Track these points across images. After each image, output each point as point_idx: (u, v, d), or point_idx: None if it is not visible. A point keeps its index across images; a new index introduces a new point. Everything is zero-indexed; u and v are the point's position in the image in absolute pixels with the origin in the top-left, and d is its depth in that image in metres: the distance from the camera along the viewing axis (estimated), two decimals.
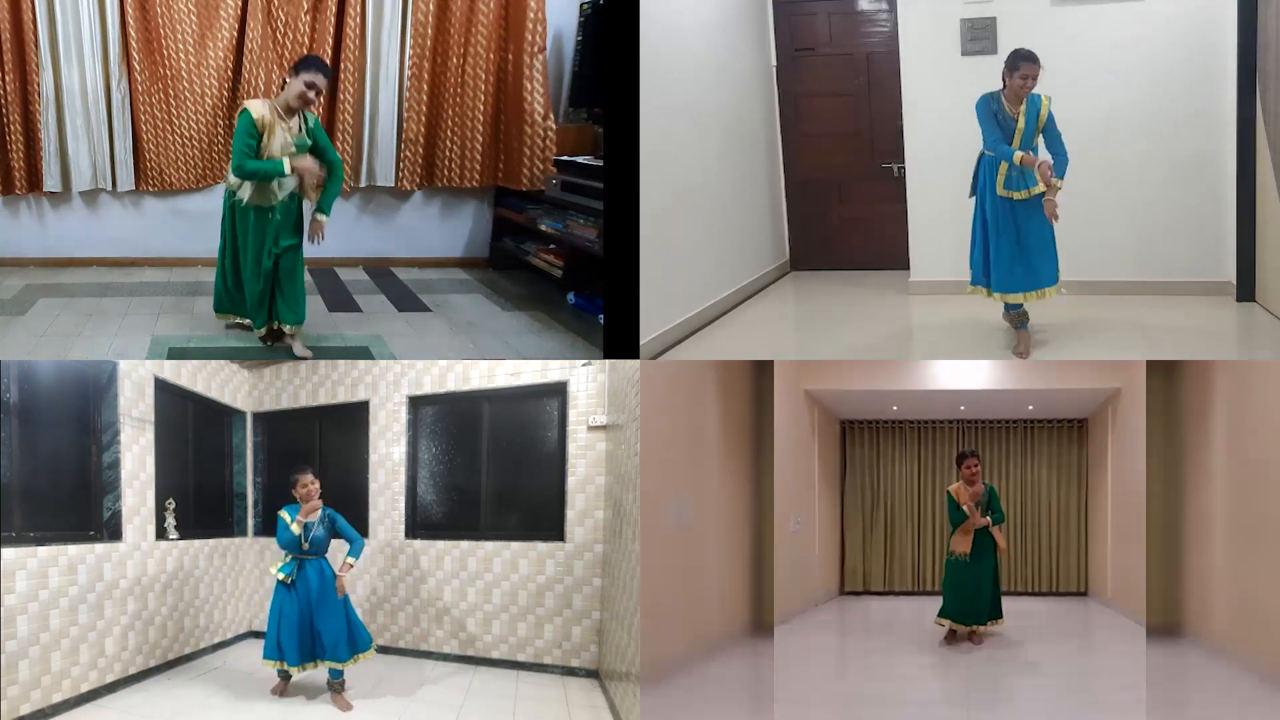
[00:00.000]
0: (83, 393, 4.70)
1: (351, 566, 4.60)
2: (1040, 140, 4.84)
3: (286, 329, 5.17)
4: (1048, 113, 4.77)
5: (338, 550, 4.67)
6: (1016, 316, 5.12)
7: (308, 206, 5.04)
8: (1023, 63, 4.66)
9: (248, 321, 5.27)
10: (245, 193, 4.85)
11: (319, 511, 4.61)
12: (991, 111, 4.75)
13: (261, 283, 5.02)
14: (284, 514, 4.60)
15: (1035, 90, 4.73)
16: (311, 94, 4.69)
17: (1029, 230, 4.82)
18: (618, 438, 4.76)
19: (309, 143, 4.85)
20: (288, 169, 4.74)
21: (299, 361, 6.20)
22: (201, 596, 5.64)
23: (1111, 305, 5.86)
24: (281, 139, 4.76)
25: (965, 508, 5.42)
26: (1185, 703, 4.32)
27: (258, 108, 4.72)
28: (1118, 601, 7.10)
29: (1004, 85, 4.76)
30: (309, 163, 4.80)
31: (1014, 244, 4.85)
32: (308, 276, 6.76)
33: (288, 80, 4.79)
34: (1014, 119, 4.75)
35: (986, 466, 8.36)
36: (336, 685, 4.56)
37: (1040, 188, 4.71)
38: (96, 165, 6.91)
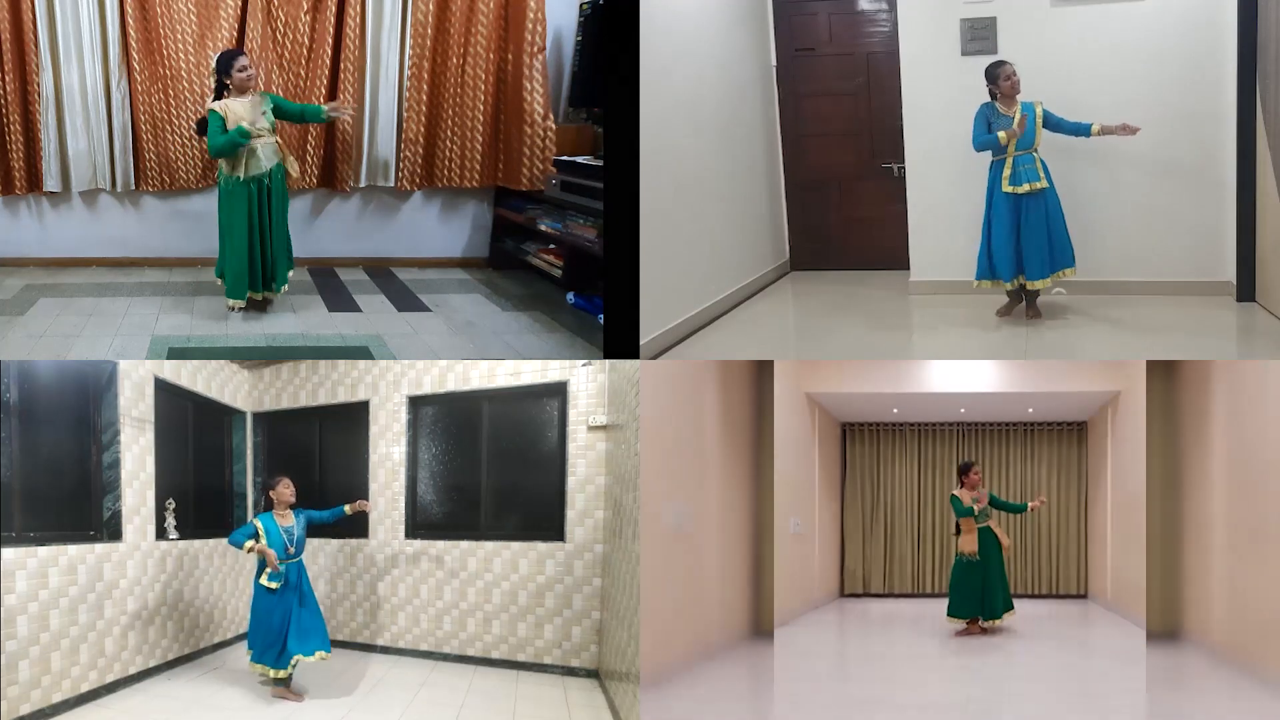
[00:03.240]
0: (83, 393, 4.70)
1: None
2: (1044, 135, 5.38)
3: (273, 294, 5.78)
4: (1043, 111, 5.34)
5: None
6: (1024, 295, 5.53)
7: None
8: (998, 69, 5.29)
9: (260, 297, 5.73)
10: (240, 171, 5.42)
11: (292, 515, 4.72)
12: (986, 117, 5.32)
13: (262, 250, 5.57)
14: (258, 521, 4.59)
15: (1027, 99, 5.30)
16: (243, 74, 5.39)
17: (1039, 220, 5.33)
18: (618, 438, 4.76)
19: (271, 105, 5.48)
20: (247, 125, 5.32)
21: (299, 361, 6.22)
22: (201, 596, 5.64)
23: (1111, 305, 5.85)
24: (245, 112, 5.37)
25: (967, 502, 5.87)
26: (1185, 706, 4.32)
27: (218, 105, 5.37)
28: (1118, 604, 7.09)
29: (994, 96, 5.33)
30: (259, 123, 5.39)
31: (1013, 235, 5.33)
32: (306, 276, 6.80)
33: (228, 82, 5.39)
34: (1010, 119, 5.27)
35: (986, 469, 8.39)
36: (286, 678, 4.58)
37: (1042, 183, 5.28)
38: (96, 165, 6.90)
